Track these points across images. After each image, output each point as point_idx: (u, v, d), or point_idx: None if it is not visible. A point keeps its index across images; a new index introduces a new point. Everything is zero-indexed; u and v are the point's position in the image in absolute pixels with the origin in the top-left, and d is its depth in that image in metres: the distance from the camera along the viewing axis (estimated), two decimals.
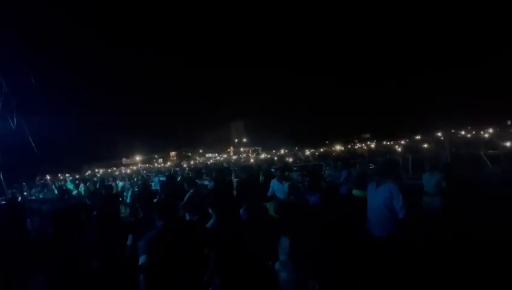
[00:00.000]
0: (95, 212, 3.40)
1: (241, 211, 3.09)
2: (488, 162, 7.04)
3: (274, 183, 4.90)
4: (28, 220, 3.98)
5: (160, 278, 1.84)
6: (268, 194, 4.77)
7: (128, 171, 23.15)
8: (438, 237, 4.54)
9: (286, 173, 6.16)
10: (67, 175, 16.92)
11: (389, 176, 3.20)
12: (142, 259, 1.84)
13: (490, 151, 8.03)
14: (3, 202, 5.45)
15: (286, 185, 4.77)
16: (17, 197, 5.97)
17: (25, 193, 8.05)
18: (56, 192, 8.91)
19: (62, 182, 11.82)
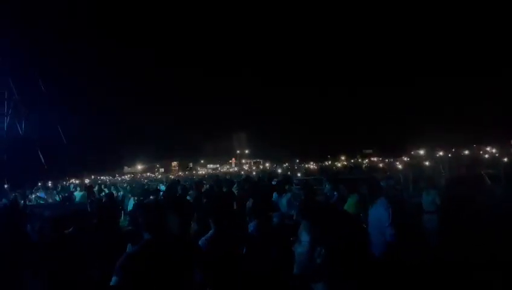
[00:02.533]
0: (95, 220, 3.44)
1: (251, 226, 3.04)
2: (488, 181, 7.03)
3: (274, 196, 4.95)
4: (28, 225, 4.04)
5: None
6: None
7: (127, 178, 23.19)
8: (430, 256, 4.52)
9: (286, 187, 6.20)
10: (71, 181, 16.99)
11: (379, 193, 3.20)
12: (113, 280, 1.67)
13: (490, 170, 8.03)
14: (3, 203, 5.52)
15: (285, 198, 4.82)
16: (19, 201, 6.04)
17: (27, 197, 8.12)
18: (58, 198, 8.97)
19: (61, 187, 11.89)
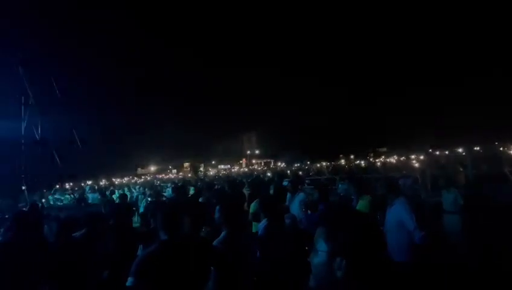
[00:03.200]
0: (111, 221, 3.45)
1: (260, 226, 3.00)
2: None
3: (288, 196, 4.84)
4: (46, 226, 4.11)
5: None
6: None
7: (141, 180, 23.62)
8: (453, 259, 4.30)
9: (299, 186, 6.08)
10: (87, 183, 17.44)
11: (398, 192, 3.04)
12: (129, 281, 1.66)
13: None
14: (24, 209, 5.66)
15: (297, 198, 4.71)
16: (38, 205, 6.20)
17: (44, 200, 8.35)
18: (70, 200, 9.18)
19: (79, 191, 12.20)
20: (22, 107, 7.73)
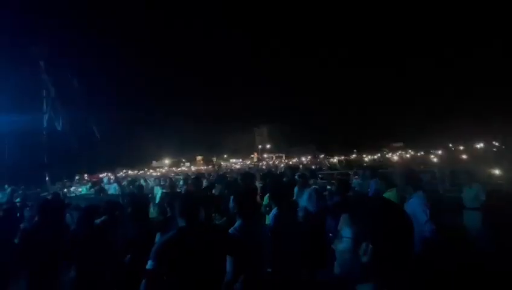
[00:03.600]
0: (129, 209, 3.57)
1: (271, 215, 3.04)
2: None
3: (295, 190, 4.83)
4: (68, 214, 4.32)
5: (165, 288, 1.70)
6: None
7: (157, 173, 24.23)
8: (473, 256, 4.16)
9: (311, 181, 6.02)
10: (106, 174, 18.08)
11: (416, 185, 2.93)
12: (149, 264, 1.71)
13: None
14: (48, 197, 5.94)
15: (306, 193, 4.68)
16: (60, 194, 6.50)
17: (65, 190, 8.72)
18: (89, 190, 9.54)
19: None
20: (44, 100, 8.04)
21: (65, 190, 8.92)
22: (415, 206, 2.64)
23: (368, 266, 0.75)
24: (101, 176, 17.10)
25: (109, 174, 17.66)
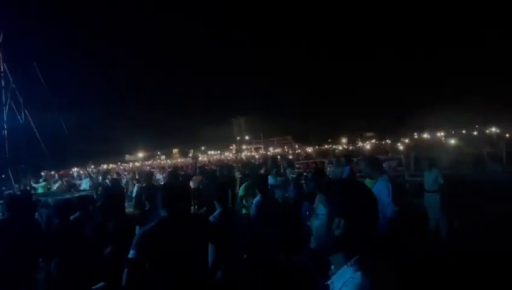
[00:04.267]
0: (104, 203, 3.50)
1: (255, 202, 3.16)
2: (489, 160, 7.07)
3: (270, 179, 5.03)
4: (36, 213, 4.11)
5: (147, 277, 1.73)
6: None
7: (130, 166, 23.43)
8: (432, 235, 4.62)
9: (289, 170, 6.24)
10: (74, 169, 17.12)
11: (380, 169, 3.21)
12: (131, 253, 1.73)
13: (492, 150, 8.04)
14: (18, 193, 5.59)
15: (280, 180, 4.91)
16: (30, 190, 6.11)
17: (32, 186, 8.21)
18: (58, 187, 9.06)
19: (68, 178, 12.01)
20: (3, 91, 7.42)
21: (34, 186, 8.38)
22: (380, 189, 2.88)
23: (339, 239, 0.87)
24: (73, 171, 16.21)
25: (78, 169, 16.78)
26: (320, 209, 0.91)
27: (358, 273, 0.81)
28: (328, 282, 0.90)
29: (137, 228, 2.99)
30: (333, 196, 0.91)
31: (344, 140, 42.78)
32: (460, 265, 3.39)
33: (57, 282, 2.63)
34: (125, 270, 1.71)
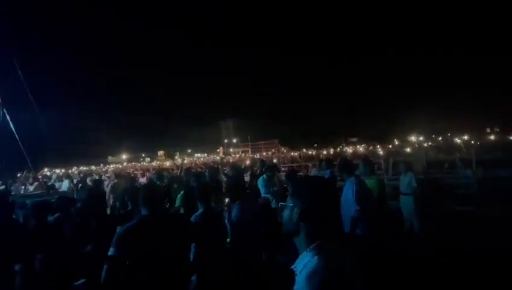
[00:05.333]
0: (84, 205, 3.48)
1: (234, 207, 3.20)
2: (461, 165, 7.52)
3: (260, 182, 5.16)
4: (13, 215, 4.01)
5: (127, 274, 1.76)
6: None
7: (112, 167, 22.88)
8: (406, 235, 4.88)
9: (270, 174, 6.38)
10: (54, 171, 16.54)
11: (350, 172, 3.37)
12: (110, 251, 1.76)
13: (465, 156, 8.55)
14: None
15: (274, 191, 5.07)
16: (7, 189, 5.90)
17: (12, 188, 7.91)
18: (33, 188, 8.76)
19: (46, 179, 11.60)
20: None
21: (12, 187, 8.07)
22: (347, 189, 3.07)
23: (296, 224, 1.00)
24: (47, 172, 15.62)
25: (56, 170, 16.22)
26: (289, 201, 1.06)
27: (315, 257, 0.94)
28: (292, 267, 1.02)
29: (118, 227, 3.01)
30: (296, 190, 1.08)
31: (329, 145, 43.69)
32: (433, 262, 3.62)
33: (38, 276, 2.60)
34: (105, 267, 1.75)
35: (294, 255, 1.04)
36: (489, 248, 3.69)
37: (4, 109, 7.33)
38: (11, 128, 7.51)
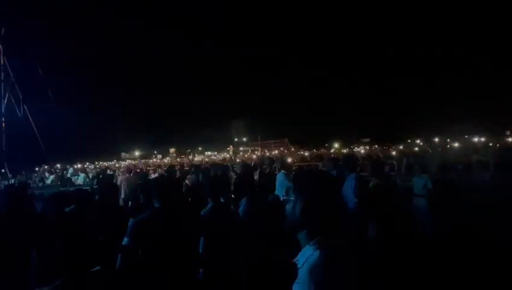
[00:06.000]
0: (99, 198, 3.59)
1: (242, 202, 3.26)
2: (477, 168, 7.26)
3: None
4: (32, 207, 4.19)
5: (141, 264, 1.83)
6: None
7: (125, 163, 23.42)
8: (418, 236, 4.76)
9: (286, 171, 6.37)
10: (70, 166, 17.11)
11: (352, 169, 3.43)
12: (124, 240, 1.86)
13: (482, 158, 8.25)
14: (15, 185, 5.65)
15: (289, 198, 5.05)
16: (27, 182, 6.17)
17: (29, 181, 8.26)
18: (51, 181, 9.09)
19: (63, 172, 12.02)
20: (2, 85, 7.48)
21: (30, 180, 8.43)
22: (347, 184, 3.11)
23: (300, 218, 1.01)
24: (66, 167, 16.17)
25: (74, 165, 16.77)
26: (292, 195, 1.07)
27: (317, 251, 0.95)
28: (295, 260, 1.04)
29: (130, 220, 3.10)
30: (298, 185, 1.09)
31: (337, 144, 43.21)
32: (440, 265, 3.53)
33: (56, 263, 2.71)
34: (119, 256, 1.82)
35: (297, 251, 1.04)
36: (506, 257, 3.56)
37: (25, 106, 7.64)
38: (31, 124, 7.82)
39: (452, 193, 6.16)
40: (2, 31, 7.41)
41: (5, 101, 7.39)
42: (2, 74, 7.44)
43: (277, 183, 4.83)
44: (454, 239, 4.39)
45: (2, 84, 7.44)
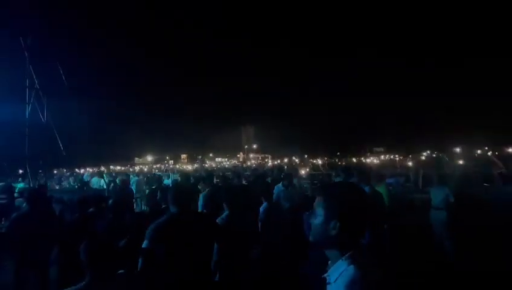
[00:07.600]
0: (115, 201, 3.68)
1: (261, 209, 3.36)
2: (500, 180, 6.96)
3: (279, 188, 5.08)
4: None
5: (159, 266, 1.87)
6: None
7: (138, 169, 23.92)
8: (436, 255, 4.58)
9: (294, 181, 6.32)
10: (87, 170, 17.63)
11: (365, 180, 3.46)
12: (144, 243, 1.90)
13: (504, 170, 7.91)
14: (36, 187, 5.86)
15: (288, 192, 5.01)
16: (47, 185, 6.39)
17: (48, 184, 8.53)
18: (71, 184, 9.36)
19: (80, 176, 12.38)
20: (27, 90, 7.85)
21: (49, 184, 8.71)
22: None
23: (335, 238, 0.98)
24: (81, 171, 16.68)
25: (89, 169, 17.27)
26: (319, 210, 1.02)
27: (351, 267, 0.93)
28: (325, 275, 1.01)
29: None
30: (330, 199, 1.02)
31: (352, 154, 42.51)
32: (460, 282, 3.38)
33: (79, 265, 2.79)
34: (140, 258, 1.87)
35: (316, 265, 1.02)
36: None
37: (48, 112, 7.97)
38: (53, 129, 8.13)
39: (475, 207, 5.90)
40: (29, 41, 7.82)
41: (29, 107, 7.74)
42: (28, 80, 7.81)
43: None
44: (472, 255, 4.20)
45: (27, 90, 7.80)
